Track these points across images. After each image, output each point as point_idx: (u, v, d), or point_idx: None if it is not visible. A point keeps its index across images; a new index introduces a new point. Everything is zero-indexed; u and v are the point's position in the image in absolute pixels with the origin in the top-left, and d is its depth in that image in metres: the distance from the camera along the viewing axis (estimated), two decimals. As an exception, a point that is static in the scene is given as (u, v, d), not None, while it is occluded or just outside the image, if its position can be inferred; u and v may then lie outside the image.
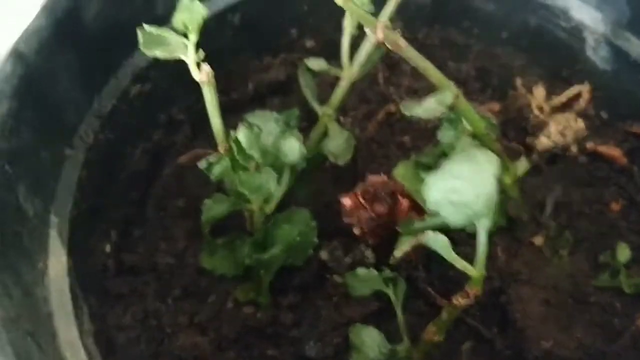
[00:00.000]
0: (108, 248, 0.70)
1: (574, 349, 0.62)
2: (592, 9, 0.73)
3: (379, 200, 0.61)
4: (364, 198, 0.61)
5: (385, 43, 0.61)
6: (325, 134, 0.75)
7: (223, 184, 0.71)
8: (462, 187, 0.51)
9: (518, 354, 0.65)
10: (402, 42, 0.61)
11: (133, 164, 0.74)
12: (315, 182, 0.75)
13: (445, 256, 0.54)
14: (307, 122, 0.77)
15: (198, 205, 0.75)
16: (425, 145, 0.78)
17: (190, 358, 0.66)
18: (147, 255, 0.71)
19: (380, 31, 0.59)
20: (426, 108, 0.61)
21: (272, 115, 0.73)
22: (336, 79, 0.83)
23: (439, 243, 0.54)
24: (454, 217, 0.52)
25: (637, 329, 0.66)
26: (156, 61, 0.70)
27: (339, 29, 0.83)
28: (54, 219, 0.61)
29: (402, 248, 0.55)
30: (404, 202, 0.62)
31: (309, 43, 0.83)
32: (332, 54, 0.81)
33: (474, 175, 0.52)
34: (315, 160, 0.73)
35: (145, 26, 0.60)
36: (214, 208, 0.65)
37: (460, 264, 0.55)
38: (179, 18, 0.61)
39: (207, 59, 0.63)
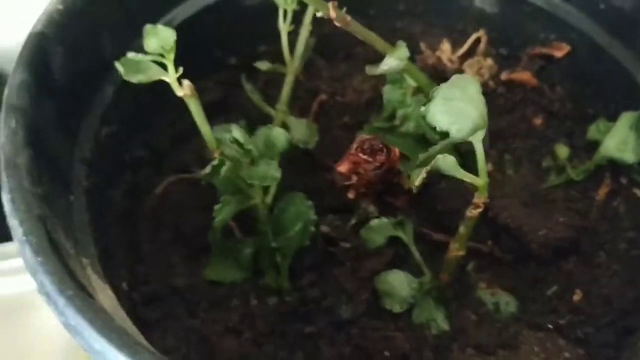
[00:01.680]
0: (125, 285, 0.71)
1: (564, 230, 0.73)
2: (470, -38, 0.86)
3: (378, 151, 0.68)
4: (364, 153, 0.67)
5: (336, 22, 0.69)
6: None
7: (202, 203, 0.75)
8: (461, 105, 0.60)
9: (518, 253, 0.74)
10: (349, 18, 0.70)
11: (118, 206, 0.75)
12: (283, 177, 0.81)
13: (455, 174, 0.62)
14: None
15: (184, 231, 0.78)
16: (366, 119, 0.86)
17: (237, 359, 0.69)
18: (162, 284, 0.73)
19: (332, 12, 0.68)
20: (389, 65, 0.69)
21: (228, 127, 0.79)
22: (265, 86, 0.91)
23: (449, 163, 0.62)
24: (461, 133, 0.60)
25: (599, 203, 0.78)
26: (115, 102, 0.75)
27: (256, 43, 0.91)
28: (85, 260, 0.62)
29: (420, 176, 0.62)
30: (395, 150, 0.69)
31: (233, 60, 0.89)
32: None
33: (465, 95, 0.61)
34: (285, 154, 0.79)
35: (128, 54, 0.64)
36: (224, 210, 0.69)
37: (468, 177, 0.63)
38: (151, 43, 0.65)
39: (149, 92, 0.68)
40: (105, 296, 0.60)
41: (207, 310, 0.72)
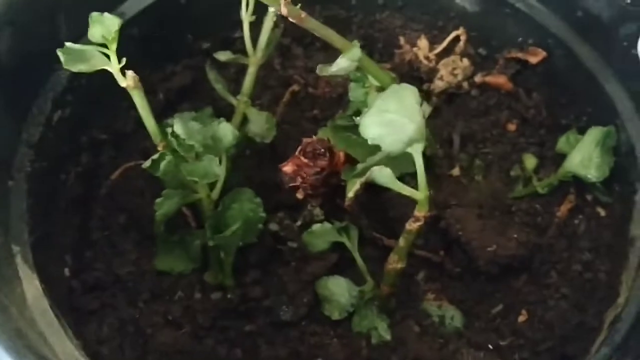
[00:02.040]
0: (67, 272, 0.71)
1: (515, 248, 0.70)
2: (450, -40, 0.83)
3: (320, 156, 0.66)
4: (305, 157, 0.66)
5: (289, 17, 0.67)
6: (243, 121, 0.79)
7: (159, 190, 0.74)
8: (395, 118, 0.58)
9: (467, 266, 0.72)
10: (303, 14, 0.68)
11: (69, 189, 0.75)
12: (242, 169, 0.80)
13: (392, 186, 0.61)
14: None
15: (138, 217, 0.78)
16: (335, 113, 0.84)
17: (173, 353, 0.69)
18: (106, 271, 0.73)
19: (284, 7, 0.65)
20: (340, 66, 0.67)
21: (190, 115, 0.78)
22: (237, 74, 0.89)
23: (385, 175, 0.60)
24: (394, 146, 0.58)
25: (560, 220, 0.75)
26: (71, 85, 0.74)
27: (229, 28, 0.89)
28: (15, 248, 0.62)
29: (354, 189, 0.60)
30: (340, 154, 0.68)
31: (205, 45, 0.88)
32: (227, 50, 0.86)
33: (401, 107, 0.58)
34: (240, 147, 0.78)
35: (67, 44, 0.62)
36: (165, 204, 0.68)
37: (406, 191, 0.61)
38: (95, 31, 0.64)
39: (109, 75, 0.66)
40: (31, 287, 0.61)
41: (149, 301, 0.72)
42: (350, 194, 0.60)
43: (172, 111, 0.84)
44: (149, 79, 0.84)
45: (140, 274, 0.74)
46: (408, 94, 0.59)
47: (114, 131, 0.81)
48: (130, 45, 0.67)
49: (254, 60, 0.77)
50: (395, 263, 0.66)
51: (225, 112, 0.82)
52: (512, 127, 0.83)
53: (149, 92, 0.84)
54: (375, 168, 0.60)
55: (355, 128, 0.77)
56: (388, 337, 0.70)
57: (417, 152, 0.60)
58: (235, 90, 0.83)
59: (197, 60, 0.87)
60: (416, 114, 0.58)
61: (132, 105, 0.82)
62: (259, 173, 0.80)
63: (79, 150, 0.77)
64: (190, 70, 0.87)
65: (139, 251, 0.76)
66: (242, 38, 0.89)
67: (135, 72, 0.65)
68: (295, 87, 0.88)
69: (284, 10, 0.66)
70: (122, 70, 0.65)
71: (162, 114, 0.83)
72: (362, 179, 0.59)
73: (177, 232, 0.75)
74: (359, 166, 0.63)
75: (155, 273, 0.74)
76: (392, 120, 0.57)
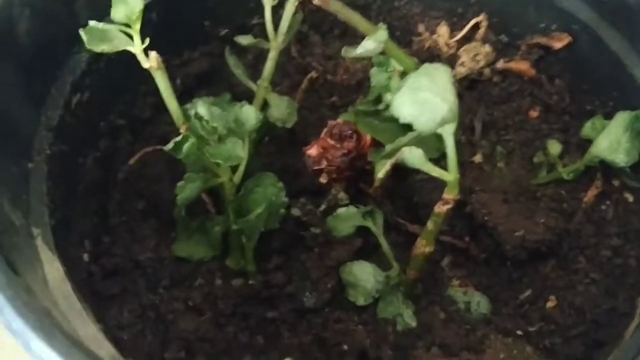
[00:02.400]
0: (86, 257, 0.69)
1: (543, 232, 0.69)
2: (474, -55, 0.82)
3: (347, 138, 0.65)
4: (332, 139, 0.65)
5: (314, 1, 0.66)
6: (264, 106, 0.78)
7: (177, 175, 0.73)
8: (428, 97, 0.57)
9: (494, 251, 0.71)
10: (329, -3, 0.67)
11: (87, 174, 0.74)
12: (262, 155, 0.78)
13: (422, 167, 0.59)
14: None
15: (157, 203, 0.77)
16: (355, 100, 0.83)
17: (195, 339, 0.68)
18: (125, 257, 0.72)
19: (310, -11, 0.64)
20: (366, 47, 0.66)
21: (208, 100, 0.77)
22: (255, 60, 0.88)
23: (416, 156, 0.59)
24: (427, 126, 0.57)
25: (587, 205, 0.74)
26: (90, 68, 0.73)
27: (247, 15, 0.88)
28: (35, 230, 0.61)
29: (383, 169, 0.59)
30: (367, 137, 0.66)
31: (223, 31, 0.86)
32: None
33: (434, 86, 0.57)
34: (260, 132, 0.77)
35: (90, 23, 0.61)
36: (187, 188, 0.67)
37: (436, 172, 0.60)
38: (118, 11, 0.63)
39: (129, 59, 0.65)
40: (52, 269, 0.59)
41: (169, 287, 0.71)
42: (380, 174, 0.59)
43: (189, 97, 0.83)
44: (166, 64, 0.82)
45: (160, 260, 0.72)
46: (441, 72, 0.58)
47: (131, 117, 0.80)
48: (148, 30, 0.66)
49: (275, 44, 0.76)
50: (423, 247, 0.64)
51: (243, 98, 0.80)
52: (534, 113, 0.82)
53: (167, 78, 0.83)
54: (405, 149, 0.58)
55: (377, 113, 0.77)
56: (414, 323, 0.68)
57: (448, 133, 0.59)
58: (254, 76, 0.82)
59: (215, 47, 0.86)
60: (449, 93, 0.57)
61: (150, 91, 0.81)
62: (279, 159, 0.79)
63: (97, 135, 0.76)
64: (208, 56, 0.86)
65: (158, 237, 0.75)
66: (259, 25, 0.88)
67: (152, 57, 0.64)
68: (313, 74, 0.86)
69: (310, -8, 0.65)
70: (145, 51, 0.64)
71: (179, 100, 0.81)
72: (392, 160, 0.58)
73: (196, 218, 0.74)
74: (388, 147, 0.62)
75: (175, 259, 0.73)
76: (425, 99, 0.56)
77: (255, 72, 0.85)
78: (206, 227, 0.73)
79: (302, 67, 0.88)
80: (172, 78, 0.82)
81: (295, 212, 0.72)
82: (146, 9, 0.75)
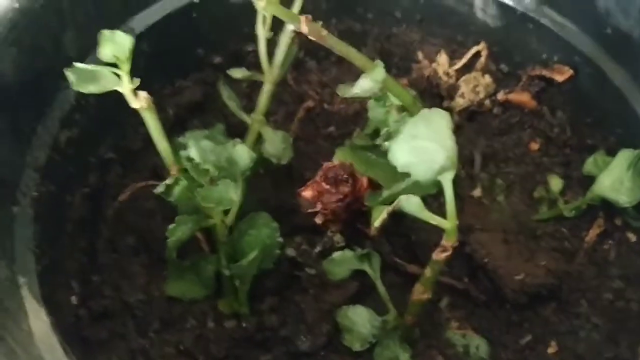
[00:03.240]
0: (74, 299, 0.67)
1: (544, 276, 0.67)
2: (473, -26, 0.80)
3: (342, 182, 0.63)
4: (327, 183, 0.63)
5: (309, 35, 0.64)
6: (258, 140, 0.76)
7: (169, 211, 0.71)
8: (426, 145, 0.55)
9: (494, 294, 0.69)
10: (324, 32, 0.65)
11: (75, 211, 0.72)
12: (257, 190, 0.76)
13: (420, 215, 0.57)
14: (230, 135, 0.79)
15: (147, 239, 0.75)
16: (352, 131, 0.81)
17: (186, 386, 0.66)
18: (114, 298, 0.70)
19: (304, 25, 0.63)
20: (362, 87, 0.64)
21: (202, 133, 0.75)
22: (249, 89, 0.86)
23: (413, 204, 0.57)
24: (425, 175, 0.55)
25: (588, 245, 0.72)
26: (79, 103, 0.71)
27: (241, 42, 0.86)
28: (21, 279, 0.59)
29: (380, 218, 0.57)
30: (363, 180, 0.64)
31: (217, 59, 0.85)
32: (238, 65, 0.83)
33: (432, 133, 0.56)
34: (254, 167, 0.75)
35: (76, 64, 0.59)
36: (178, 230, 0.65)
37: (434, 220, 0.58)
38: (106, 50, 0.61)
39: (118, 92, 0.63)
40: (38, 321, 0.57)
41: (160, 330, 0.69)
42: (377, 223, 0.57)
43: (181, 127, 0.82)
44: (158, 93, 0.81)
45: (150, 300, 0.70)
46: (439, 118, 0.56)
47: (122, 149, 0.78)
48: (139, 60, 0.64)
49: (270, 78, 0.74)
50: (421, 294, 0.63)
51: (237, 128, 0.79)
52: (535, 146, 0.80)
53: (158, 108, 0.81)
54: (402, 197, 0.56)
55: (375, 148, 0.75)
56: (410, 368, 0.67)
57: (447, 181, 0.57)
58: (248, 106, 0.80)
59: (208, 75, 0.84)
60: (448, 140, 0.55)
61: (141, 122, 0.79)
62: (274, 194, 0.77)
63: (86, 171, 0.74)
64: (201, 84, 0.84)
65: (149, 275, 0.72)
66: (254, 52, 0.86)
67: (144, 87, 0.62)
68: (309, 103, 0.85)
69: (304, 29, 0.63)
70: (134, 90, 0.62)
71: (171, 130, 0.79)
72: (390, 208, 0.56)
73: (189, 256, 0.71)
74: (384, 193, 0.60)
75: (166, 299, 0.71)
76: (423, 147, 0.54)
77: (249, 101, 0.83)
78: (199, 266, 0.71)
79: (298, 95, 0.86)
80: (164, 108, 0.82)
81: (290, 252, 0.71)
82: (137, 40, 0.74)
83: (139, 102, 0.62)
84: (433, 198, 0.70)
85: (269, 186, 0.78)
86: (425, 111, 0.57)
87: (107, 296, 0.70)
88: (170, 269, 0.70)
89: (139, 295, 0.70)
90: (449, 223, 0.58)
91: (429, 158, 0.55)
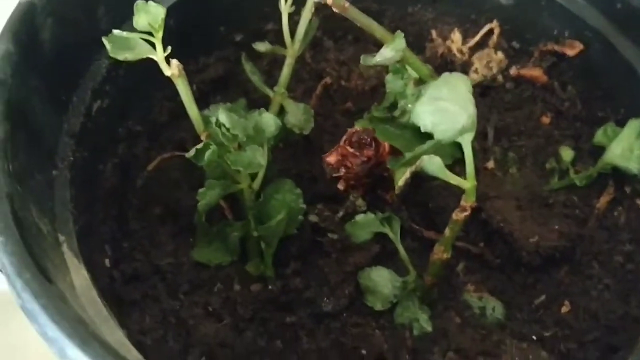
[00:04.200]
0: (107, 262, 0.70)
1: (557, 238, 0.70)
2: (487, -46, 0.83)
3: (366, 145, 0.66)
4: (351, 146, 0.66)
5: (333, 7, 0.67)
6: (280, 113, 0.79)
7: (195, 181, 0.74)
8: (448, 106, 0.58)
9: (508, 257, 0.72)
10: (347, 4, 0.68)
11: (107, 180, 0.74)
12: (278, 161, 0.79)
13: (441, 175, 0.60)
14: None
15: (175, 208, 0.77)
16: (369, 106, 0.84)
17: (215, 345, 0.69)
18: (145, 262, 0.72)
19: (329, -2, 0.65)
20: (384, 56, 0.67)
21: (225, 107, 0.77)
22: (270, 66, 0.89)
23: (435, 164, 0.60)
24: (447, 135, 0.58)
25: (599, 212, 0.75)
26: (109, 75, 0.74)
27: (262, 20, 0.89)
28: (61, 237, 0.61)
29: (403, 177, 0.60)
30: (385, 145, 0.67)
31: (238, 37, 0.87)
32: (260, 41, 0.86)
33: (454, 95, 0.58)
34: (279, 135, 0.77)
35: (114, 31, 0.62)
36: (208, 195, 0.68)
37: (454, 180, 0.61)
38: (141, 19, 0.63)
39: (147, 65, 0.66)
40: (78, 276, 0.60)
41: (189, 292, 0.72)
42: (400, 182, 0.60)
43: (205, 103, 0.84)
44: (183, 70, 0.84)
45: (179, 265, 0.73)
46: (460, 82, 0.59)
47: (149, 122, 0.81)
48: (165, 37, 0.67)
49: (292, 52, 0.77)
50: (441, 253, 0.65)
51: (258, 103, 0.81)
52: (546, 120, 0.83)
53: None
54: (425, 157, 0.59)
55: (393, 120, 0.78)
56: (429, 328, 0.69)
57: (466, 142, 0.60)
58: (269, 82, 0.83)
59: (230, 52, 0.87)
60: (468, 103, 0.58)
61: (167, 97, 0.82)
62: (295, 165, 0.80)
63: (115, 141, 0.77)
64: (223, 62, 0.87)
65: (176, 242, 0.75)
66: (274, 30, 0.89)
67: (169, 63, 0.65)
68: (327, 80, 0.87)
69: (328, 0, 0.66)
70: (166, 59, 0.65)
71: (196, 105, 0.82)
72: (412, 168, 0.59)
73: (214, 224, 0.74)
74: (407, 155, 0.63)
75: (193, 264, 0.74)
76: (445, 108, 0.57)
77: (269, 77, 0.86)
78: (225, 232, 0.74)
79: (316, 72, 0.89)
80: (189, 84, 0.85)
81: (313, 218, 0.73)
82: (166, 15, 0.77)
83: (172, 69, 0.64)
84: (448, 168, 0.73)
85: (289, 157, 0.81)
86: (447, 75, 0.60)
87: (138, 260, 0.73)
88: (198, 234, 0.73)
89: (168, 260, 0.73)
90: (468, 183, 0.61)
91: (451, 119, 0.57)
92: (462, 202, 0.63)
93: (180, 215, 0.76)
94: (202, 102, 0.85)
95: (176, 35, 0.79)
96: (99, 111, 0.73)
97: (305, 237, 0.73)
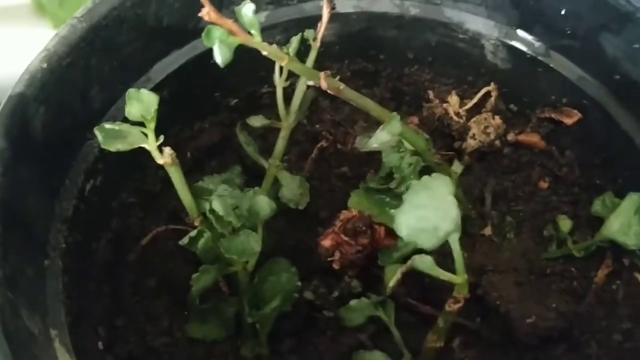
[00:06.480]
0: (100, 345, 0.70)
1: (555, 318, 0.69)
2: (484, 19, 0.81)
3: (360, 233, 0.65)
4: (346, 235, 0.65)
5: (328, 90, 0.66)
6: (273, 184, 0.79)
7: (189, 253, 0.74)
8: (428, 214, 0.57)
9: (505, 335, 0.71)
10: (342, 86, 0.67)
11: (100, 257, 0.74)
12: (273, 230, 0.79)
13: (431, 273, 0.60)
14: (247, 176, 0.81)
15: (168, 280, 0.77)
16: (366, 171, 0.83)
17: None
18: (139, 342, 0.72)
19: (323, 81, 0.65)
20: (380, 140, 0.66)
21: (219, 178, 0.77)
22: (265, 130, 0.88)
23: (426, 264, 0.59)
24: (429, 242, 0.57)
25: (597, 285, 0.74)
26: (102, 153, 0.73)
27: (257, 84, 0.88)
28: (53, 332, 0.61)
29: (394, 278, 0.60)
30: (381, 230, 0.67)
31: (233, 101, 0.87)
32: (254, 107, 0.86)
33: (434, 201, 0.58)
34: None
35: (104, 124, 0.62)
36: (202, 279, 0.68)
37: (445, 276, 0.61)
38: (133, 109, 0.63)
39: None
40: (70, 373, 0.60)
41: (183, 373, 0.71)
42: (392, 283, 0.59)
43: (200, 169, 0.84)
44: (178, 137, 0.83)
45: (174, 343, 0.73)
46: (441, 185, 0.58)
47: (142, 192, 0.80)
48: (160, 106, 0.67)
49: (286, 124, 0.76)
50: (434, 342, 0.65)
51: (254, 169, 0.81)
52: (544, 184, 0.82)
53: (177, 151, 0.83)
54: (415, 257, 0.59)
55: (389, 191, 0.77)
56: (425, 409, 0.69)
57: (454, 241, 0.59)
58: (264, 147, 0.82)
59: (225, 117, 0.87)
60: (450, 208, 0.58)
61: (160, 165, 0.82)
62: (290, 235, 0.79)
63: (109, 216, 0.76)
64: (218, 126, 0.86)
65: (171, 316, 0.75)
66: (268, 93, 0.88)
67: (164, 132, 0.64)
68: (323, 143, 0.87)
69: (323, 84, 0.65)
70: (159, 147, 0.64)
71: (190, 172, 0.82)
72: (403, 268, 0.59)
73: (209, 298, 0.74)
74: (395, 254, 0.62)
75: (188, 340, 0.73)
76: (426, 217, 0.57)
77: (264, 142, 0.85)
78: (220, 308, 0.73)
79: (311, 134, 0.88)
80: (183, 151, 0.84)
81: (308, 295, 0.73)
82: (157, 89, 0.77)
83: (164, 158, 0.64)
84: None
85: (285, 226, 0.80)
86: (425, 179, 0.59)
87: (132, 341, 0.72)
88: (192, 312, 0.73)
89: (163, 339, 0.73)
90: (459, 278, 0.61)
91: (433, 227, 0.57)
92: (455, 294, 0.62)
93: (175, 288, 0.76)
94: (197, 169, 0.85)
95: (170, 104, 0.79)
96: (92, 190, 0.72)
97: (300, 314, 0.73)
